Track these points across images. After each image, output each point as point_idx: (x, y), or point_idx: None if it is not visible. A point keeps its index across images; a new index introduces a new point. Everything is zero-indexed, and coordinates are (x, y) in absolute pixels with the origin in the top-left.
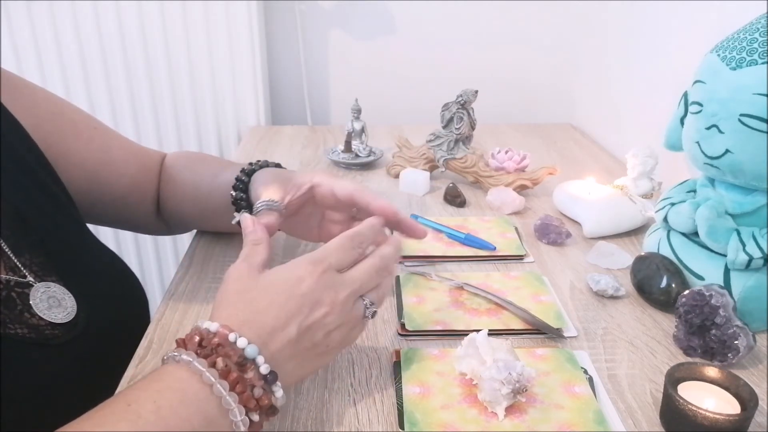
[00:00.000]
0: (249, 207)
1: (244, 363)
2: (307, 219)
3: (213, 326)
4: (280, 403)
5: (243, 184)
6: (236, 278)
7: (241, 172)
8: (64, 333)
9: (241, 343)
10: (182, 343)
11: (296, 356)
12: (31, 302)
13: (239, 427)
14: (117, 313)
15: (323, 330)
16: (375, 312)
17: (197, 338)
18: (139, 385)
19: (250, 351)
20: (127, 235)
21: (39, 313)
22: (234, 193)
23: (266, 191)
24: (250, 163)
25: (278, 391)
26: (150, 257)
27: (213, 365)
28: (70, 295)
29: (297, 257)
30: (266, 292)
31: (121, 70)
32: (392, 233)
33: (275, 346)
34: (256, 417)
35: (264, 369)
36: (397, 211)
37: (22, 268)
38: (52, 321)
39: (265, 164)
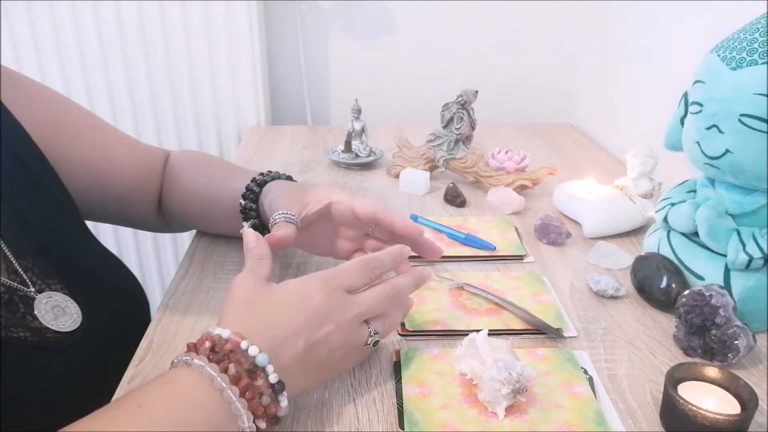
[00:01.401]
0: (258, 217)
1: (255, 371)
2: (319, 234)
3: (225, 333)
4: (284, 413)
5: (254, 194)
6: (243, 289)
7: (252, 181)
8: (66, 337)
9: (253, 351)
10: (193, 348)
11: (301, 370)
12: (36, 313)
13: None
14: (118, 314)
15: (327, 347)
16: (377, 341)
17: (209, 344)
18: (149, 388)
19: (261, 359)
20: (127, 236)
21: (47, 325)
22: (243, 203)
23: (283, 204)
24: (261, 174)
25: (283, 401)
26: (150, 257)
27: (225, 371)
28: (73, 301)
29: (309, 273)
30: (277, 304)
31: (121, 70)
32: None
33: (284, 357)
34: (263, 424)
35: (273, 378)
36: (422, 231)
37: (24, 272)
38: (61, 330)
39: (277, 176)
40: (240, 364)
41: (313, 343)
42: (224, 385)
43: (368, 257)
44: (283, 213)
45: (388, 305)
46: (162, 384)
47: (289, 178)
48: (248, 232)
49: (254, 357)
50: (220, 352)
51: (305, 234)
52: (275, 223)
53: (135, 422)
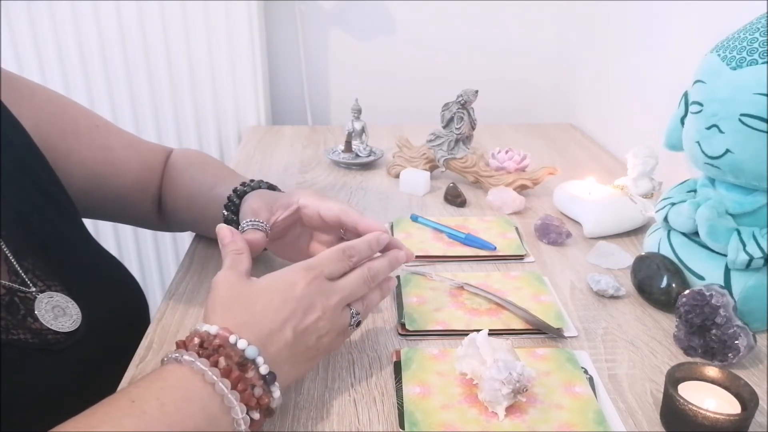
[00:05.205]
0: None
1: (245, 363)
2: (296, 240)
3: (213, 329)
4: (278, 404)
5: (234, 205)
6: (226, 285)
7: (233, 192)
8: (66, 338)
9: (242, 344)
10: (182, 345)
11: (291, 358)
12: (36, 313)
13: (240, 425)
14: (117, 315)
15: (315, 334)
16: (359, 322)
17: (198, 340)
18: (141, 383)
19: (251, 352)
20: (127, 236)
21: (47, 324)
22: (225, 213)
23: (251, 212)
24: (243, 183)
25: (276, 392)
26: (150, 257)
27: (215, 365)
28: (73, 302)
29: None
30: (261, 296)
31: (121, 70)
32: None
33: (273, 348)
34: (256, 415)
35: (264, 369)
36: (386, 229)
37: (25, 273)
38: (60, 330)
39: (257, 185)
40: (230, 358)
41: (301, 330)
42: (215, 378)
43: (345, 245)
44: (250, 221)
45: (366, 288)
46: (154, 380)
47: (271, 186)
48: (222, 228)
49: (243, 350)
50: (209, 348)
51: (283, 242)
52: (243, 231)
53: (128, 417)
